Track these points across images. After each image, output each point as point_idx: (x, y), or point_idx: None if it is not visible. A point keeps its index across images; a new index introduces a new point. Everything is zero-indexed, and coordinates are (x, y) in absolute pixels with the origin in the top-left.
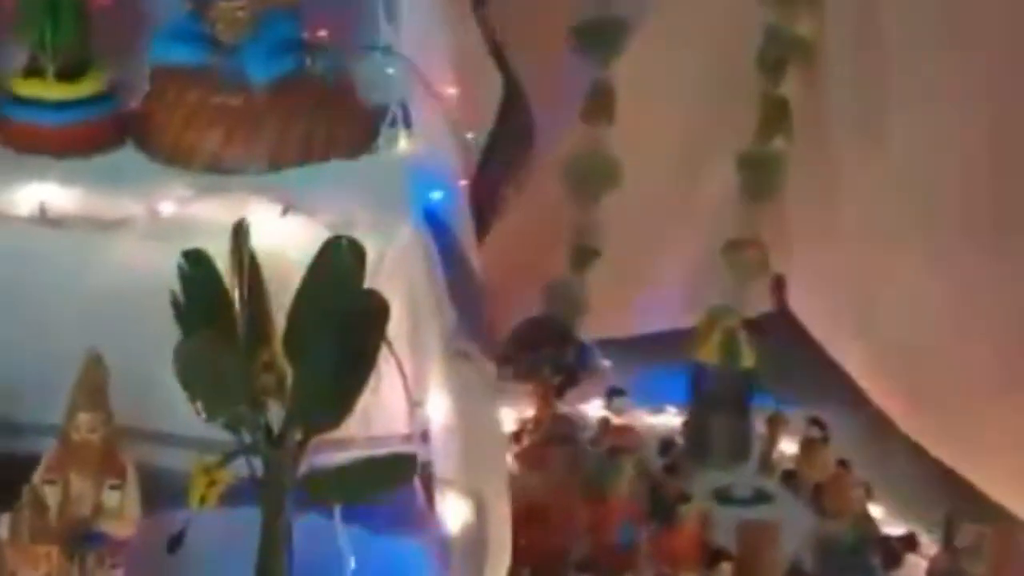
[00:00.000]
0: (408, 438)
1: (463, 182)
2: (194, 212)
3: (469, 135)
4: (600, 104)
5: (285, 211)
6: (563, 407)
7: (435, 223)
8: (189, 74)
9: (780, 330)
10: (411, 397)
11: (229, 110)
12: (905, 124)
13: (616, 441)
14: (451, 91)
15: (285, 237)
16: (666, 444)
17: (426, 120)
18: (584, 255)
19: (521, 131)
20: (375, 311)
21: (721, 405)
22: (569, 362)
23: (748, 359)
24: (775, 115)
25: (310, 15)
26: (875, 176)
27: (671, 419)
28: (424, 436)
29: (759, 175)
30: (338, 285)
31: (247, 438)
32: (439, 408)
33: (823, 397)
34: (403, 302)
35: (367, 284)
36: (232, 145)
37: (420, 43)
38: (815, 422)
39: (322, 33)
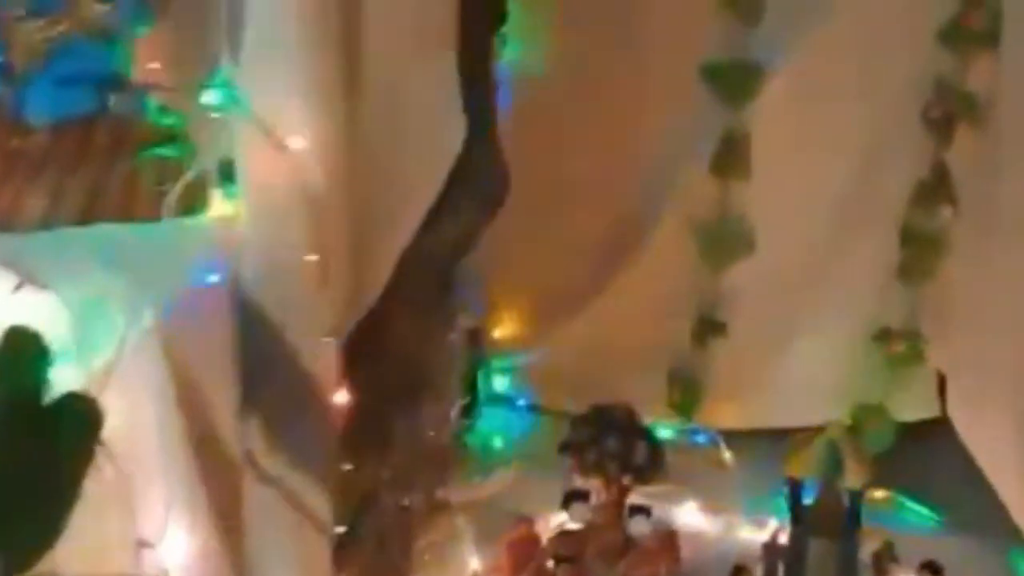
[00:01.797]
0: None
1: (309, 257)
2: None
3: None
4: (731, 155)
5: (19, 287)
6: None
7: (243, 307)
8: None
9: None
10: (138, 534)
11: (1, 153)
12: None
13: (634, 570)
14: (300, 145)
15: (18, 315)
16: (737, 570)
17: (262, 179)
18: (708, 329)
19: (487, 185)
20: (82, 419)
21: (821, 527)
22: (638, 460)
23: (855, 476)
24: (938, 179)
25: (141, 44)
26: None
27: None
28: None
29: (924, 252)
30: (18, 387)
31: None
32: (188, 546)
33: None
34: (142, 409)
35: (99, 384)
36: (1, 195)
37: (272, 83)
38: (929, 567)
39: (154, 66)
